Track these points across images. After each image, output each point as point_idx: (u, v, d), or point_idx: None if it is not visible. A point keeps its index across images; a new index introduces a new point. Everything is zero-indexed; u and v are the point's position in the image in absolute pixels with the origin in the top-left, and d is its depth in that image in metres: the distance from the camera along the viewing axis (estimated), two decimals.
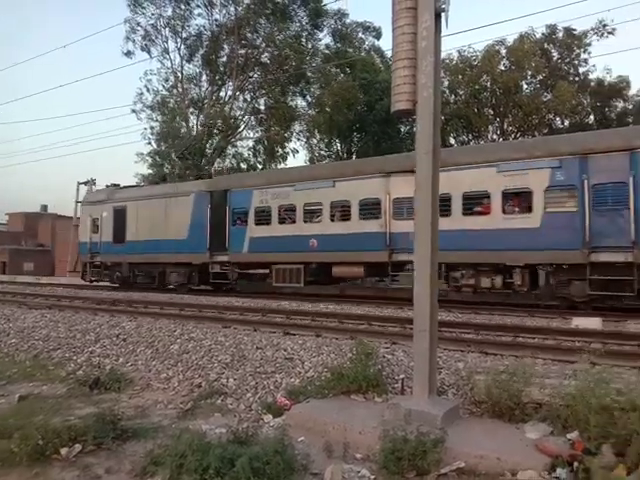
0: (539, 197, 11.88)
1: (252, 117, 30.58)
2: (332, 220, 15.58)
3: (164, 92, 29.91)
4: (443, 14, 5.37)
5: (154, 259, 19.62)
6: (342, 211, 15.49)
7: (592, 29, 24.63)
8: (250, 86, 30.02)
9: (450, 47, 27.61)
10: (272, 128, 29.92)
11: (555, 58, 26.35)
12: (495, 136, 27.24)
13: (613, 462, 3.94)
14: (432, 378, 5.12)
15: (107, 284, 22.06)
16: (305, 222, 16.11)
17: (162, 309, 13.12)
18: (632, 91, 27.36)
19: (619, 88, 26.95)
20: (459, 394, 5.73)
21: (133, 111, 30.37)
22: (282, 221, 16.76)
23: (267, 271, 17.22)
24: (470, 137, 27.52)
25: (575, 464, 3.95)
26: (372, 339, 7.71)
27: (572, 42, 25.49)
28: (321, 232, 15.58)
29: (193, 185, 20.10)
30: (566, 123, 26.42)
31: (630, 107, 27.70)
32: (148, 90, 29.88)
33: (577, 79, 26.27)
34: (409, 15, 5.56)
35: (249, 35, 28.35)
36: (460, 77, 25.82)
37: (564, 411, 4.57)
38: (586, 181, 11.16)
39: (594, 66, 26.31)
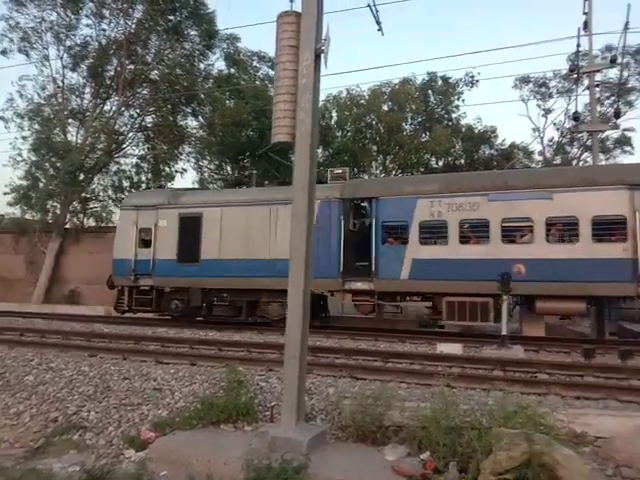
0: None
1: (138, 134, 29.29)
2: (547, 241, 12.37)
3: (40, 101, 27.57)
4: (322, 55, 5.71)
5: (248, 285, 14.91)
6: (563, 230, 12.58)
7: (462, 79, 27.63)
8: (138, 102, 28.82)
9: (340, 84, 29.00)
10: (159, 146, 28.87)
11: (433, 103, 28.86)
12: (378, 172, 28.97)
13: (457, 478, 4.31)
14: (300, 405, 5.21)
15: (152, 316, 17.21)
16: (504, 242, 12.69)
17: (22, 335, 11.88)
18: (498, 140, 30.77)
19: (488, 136, 30.15)
20: (327, 419, 5.88)
21: (1, 118, 27.52)
22: (465, 240, 13.21)
23: (429, 304, 13.46)
24: (356, 171, 28.93)
25: None
26: (249, 366, 7.67)
27: (447, 89, 28.21)
28: (529, 256, 12.26)
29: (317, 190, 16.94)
30: (440, 163, 28.95)
31: (495, 154, 31.04)
32: (21, 96, 27.40)
33: (451, 124, 28.95)
34: (291, 52, 5.82)
35: (139, 50, 27.36)
36: (347, 114, 27.23)
37: (419, 432, 4.90)
38: None
39: (464, 113, 29.22)
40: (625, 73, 25.17)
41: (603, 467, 4.76)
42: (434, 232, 13.20)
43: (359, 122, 27.45)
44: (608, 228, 11.92)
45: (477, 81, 27.72)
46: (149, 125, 29.74)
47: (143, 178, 29.50)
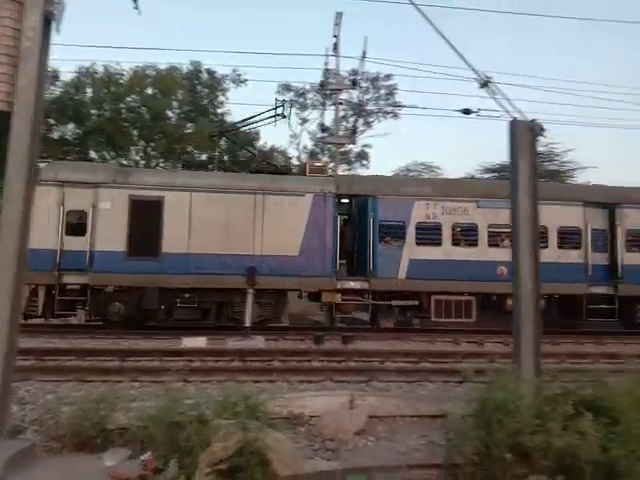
0: None
1: None
2: None
3: None
4: (54, 20, 5.06)
5: (224, 283, 12.60)
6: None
7: (228, 76, 28.08)
8: None
9: (95, 59, 26.13)
10: None
11: (199, 95, 28.57)
12: (138, 157, 27.36)
13: (176, 475, 4.30)
14: (2, 418, 4.51)
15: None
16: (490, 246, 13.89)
17: None
18: (261, 142, 32.14)
19: (251, 138, 31.21)
20: (41, 430, 5.24)
21: None
22: (457, 243, 13.95)
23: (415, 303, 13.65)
24: (113, 154, 26.74)
25: None
26: None
27: (213, 84, 28.30)
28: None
29: (309, 182, 13.85)
30: (204, 157, 28.92)
31: (257, 154, 32.45)
32: None
33: (216, 119, 29.15)
34: (14, 9, 5.01)
35: None
36: (106, 91, 24.93)
37: (142, 432, 4.74)
38: None
39: (229, 110, 29.73)
40: (367, 96, 29.35)
41: (312, 443, 5.37)
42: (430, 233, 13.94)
43: (118, 102, 25.41)
44: (569, 237, 14.37)
45: (244, 80, 28.44)
46: None
47: None
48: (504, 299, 13.35)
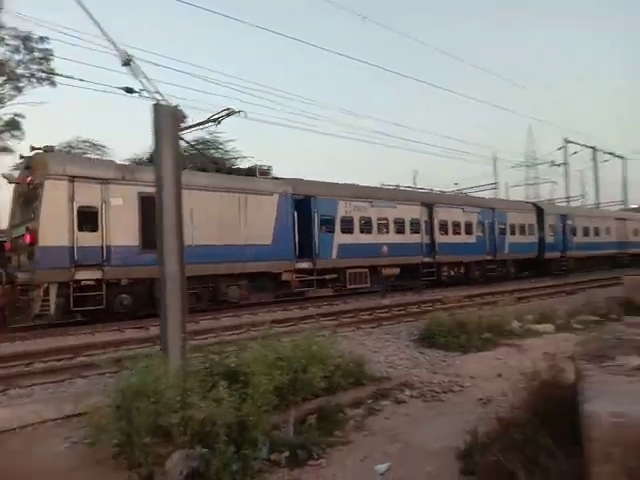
0: None
1: None
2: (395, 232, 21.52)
3: None
4: None
5: (212, 270, 15.30)
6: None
7: None
8: None
9: None
10: None
11: None
12: None
13: None
14: None
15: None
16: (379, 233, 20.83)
17: None
18: None
19: None
20: None
21: None
22: (362, 231, 20.20)
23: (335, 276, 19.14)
24: None
25: None
26: None
27: None
28: (387, 241, 20.97)
29: (275, 185, 17.91)
30: None
31: None
32: None
33: None
34: None
35: None
36: None
37: None
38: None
39: None
40: (18, 56, 26.10)
41: None
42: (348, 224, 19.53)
43: None
44: (413, 225, 22.06)
45: None
46: None
47: None
48: (382, 269, 20.75)
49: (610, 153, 40.41)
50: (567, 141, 37.65)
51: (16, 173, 15.79)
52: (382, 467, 4.01)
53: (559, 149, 38.27)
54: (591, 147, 39.35)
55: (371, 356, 8.11)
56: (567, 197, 39.20)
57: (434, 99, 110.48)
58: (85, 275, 13.30)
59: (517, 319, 10.98)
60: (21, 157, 14.79)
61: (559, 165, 38.68)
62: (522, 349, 8.55)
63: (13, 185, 14.75)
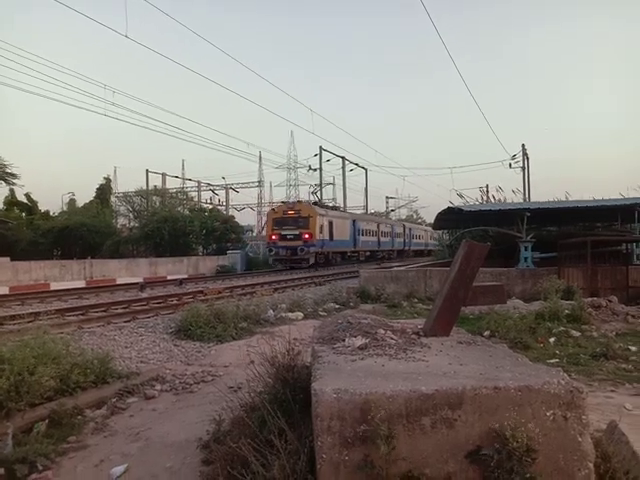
0: None
1: None
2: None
3: None
4: None
5: None
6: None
7: None
8: None
9: None
10: None
11: None
12: None
13: None
14: None
15: None
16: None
17: None
18: None
19: None
20: None
21: None
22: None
23: None
24: None
25: None
26: None
27: None
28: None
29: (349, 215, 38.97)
30: None
31: None
32: None
33: None
34: None
35: None
36: None
37: None
38: None
39: None
40: None
41: None
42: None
43: None
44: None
45: None
46: None
47: None
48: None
49: (355, 164, 45.88)
50: (322, 149, 41.46)
51: None
52: (118, 470, 3.71)
53: (315, 155, 41.95)
54: (341, 157, 43.99)
55: (122, 352, 7.78)
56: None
57: (200, 88, 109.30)
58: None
59: (272, 308, 11.66)
60: None
61: (315, 170, 42.44)
62: (275, 335, 9.05)
63: None
